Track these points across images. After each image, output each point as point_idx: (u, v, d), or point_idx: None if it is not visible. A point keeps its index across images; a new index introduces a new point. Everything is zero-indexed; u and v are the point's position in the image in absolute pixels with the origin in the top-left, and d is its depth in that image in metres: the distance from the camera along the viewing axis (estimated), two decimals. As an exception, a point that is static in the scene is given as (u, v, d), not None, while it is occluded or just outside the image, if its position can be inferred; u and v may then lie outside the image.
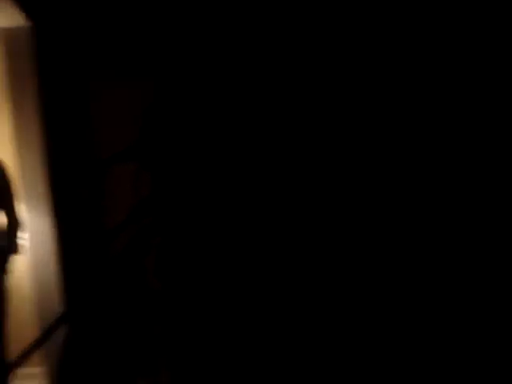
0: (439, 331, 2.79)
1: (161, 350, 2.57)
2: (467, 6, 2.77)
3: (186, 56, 3.07)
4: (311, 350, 2.80)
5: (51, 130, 3.19)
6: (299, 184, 2.96)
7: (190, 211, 2.43)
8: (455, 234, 2.81)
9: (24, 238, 3.23)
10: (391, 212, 2.89)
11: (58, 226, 3.20)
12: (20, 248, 3.19)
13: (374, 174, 2.92)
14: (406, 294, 2.84)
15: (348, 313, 2.85)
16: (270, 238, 2.85)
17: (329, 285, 2.89)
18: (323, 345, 2.81)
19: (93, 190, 3.12)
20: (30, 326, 3.39)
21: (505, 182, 2.76)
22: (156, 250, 2.45)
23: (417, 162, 2.88)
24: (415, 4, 2.85)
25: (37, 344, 2.46)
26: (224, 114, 3.02)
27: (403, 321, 2.81)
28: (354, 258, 2.91)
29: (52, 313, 3.12)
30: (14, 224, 3.13)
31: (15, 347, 3.10)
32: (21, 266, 3.31)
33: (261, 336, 2.56)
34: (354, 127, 2.96)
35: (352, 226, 2.93)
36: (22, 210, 3.22)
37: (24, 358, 2.46)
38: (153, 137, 2.36)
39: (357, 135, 2.95)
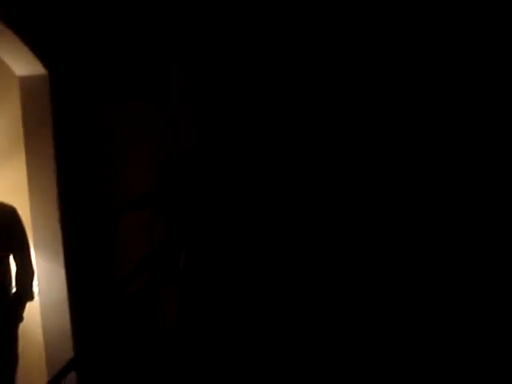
0: (439, 331, 2.77)
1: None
2: (467, 5, 2.78)
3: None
4: (311, 350, 2.78)
5: (65, 178, 3.21)
6: (301, 189, 2.95)
7: (206, 258, 2.45)
8: (455, 234, 2.80)
9: (36, 285, 3.24)
10: (391, 212, 2.88)
11: (70, 273, 3.21)
12: (34, 295, 3.21)
13: (374, 173, 2.92)
14: (406, 294, 2.82)
15: (348, 313, 2.84)
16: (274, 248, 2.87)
17: (330, 285, 2.88)
18: (323, 345, 2.79)
19: (105, 237, 3.13)
20: (39, 372, 3.38)
21: (505, 181, 2.75)
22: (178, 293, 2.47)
23: (417, 162, 2.87)
24: (415, 4, 2.87)
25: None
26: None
27: (403, 321, 2.80)
28: (353, 258, 2.90)
29: (61, 359, 3.11)
30: (29, 272, 3.16)
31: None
32: (32, 311, 3.31)
33: (261, 337, 2.57)
34: (355, 128, 2.96)
35: (352, 225, 2.92)
36: (35, 256, 3.23)
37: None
38: (168, 186, 2.38)
39: (357, 135, 2.96)
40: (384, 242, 2.94)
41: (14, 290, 3.15)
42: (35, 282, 3.22)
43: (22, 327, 3.23)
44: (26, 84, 3.24)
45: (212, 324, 2.30)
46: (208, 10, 3.16)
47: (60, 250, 3.19)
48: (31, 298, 3.20)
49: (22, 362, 3.25)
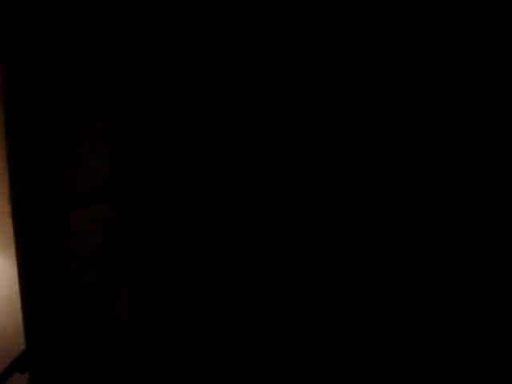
0: (439, 331, 2.78)
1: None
2: (467, 5, 2.80)
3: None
4: (311, 350, 2.77)
5: (16, 172, 3.17)
6: (297, 190, 2.95)
7: (158, 253, 2.43)
8: (455, 234, 2.81)
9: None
10: (391, 212, 2.89)
11: (22, 268, 3.16)
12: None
13: (373, 174, 2.92)
14: (406, 294, 2.83)
15: (348, 313, 2.84)
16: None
17: (328, 284, 2.88)
18: (323, 344, 2.79)
19: (58, 231, 3.10)
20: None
21: (505, 182, 2.76)
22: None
23: (417, 162, 2.88)
24: (415, 4, 2.87)
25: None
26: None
27: (403, 321, 2.80)
28: (353, 258, 2.90)
29: (13, 356, 3.06)
30: None
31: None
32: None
33: (259, 337, 2.55)
34: (354, 127, 2.96)
35: (352, 225, 2.92)
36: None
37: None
38: (119, 178, 2.36)
39: (357, 135, 2.96)
40: (384, 241, 2.95)
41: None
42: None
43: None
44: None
45: (167, 318, 2.29)
46: (207, 10, 3.15)
47: (11, 245, 3.14)
48: None
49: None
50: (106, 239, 2.49)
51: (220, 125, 3.09)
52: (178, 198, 2.46)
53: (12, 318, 3.18)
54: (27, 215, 3.18)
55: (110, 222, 2.57)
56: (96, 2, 3.12)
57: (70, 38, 3.22)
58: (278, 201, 2.96)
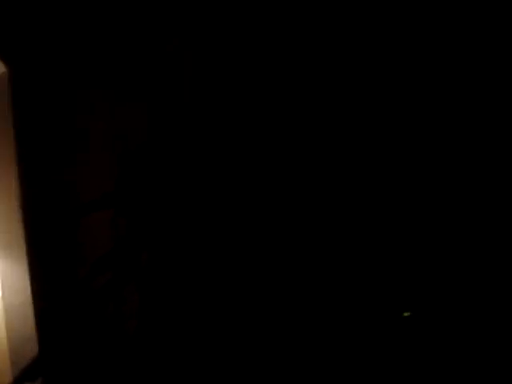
0: (439, 331, 2.76)
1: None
2: (467, 6, 2.78)
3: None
4: (310, 350, 2.76)
5: (27, 178, 3.15)
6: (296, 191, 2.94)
7: (169, 258, 2.42)
8: (455, 234, 2.79)
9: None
10: (391, 212, 2.87)
11: (34, 275, 3.15)
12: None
13: (373, 174, 2.90)
14: (406, 294, 2.81)
15: (347, 313, 2.82)
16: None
17: (328, 284, 2.86)
18: (323, 344, 2.77)
19: (69, 237, 3.09)
20: (3, 378, 3.31)
21: (505, 182, 2.75)
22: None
23: (417, 163, 2.86)
24: (415, 4, 2.86)
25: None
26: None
27: (403, 321, 2.78)
28: (353, 258, 2.88)
29: (27, 363, 3.05)
30: None
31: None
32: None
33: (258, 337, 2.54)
34: (354, 127, 2.94)
35: (351, 226, 2.91)
36: (-3, 257, 3.17)
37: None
38: (130, 183, 2.35)
39: (356, 135, 2.94)
40: (383, 241, 2.94)
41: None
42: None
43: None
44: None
45: (175, 322, 2.27)
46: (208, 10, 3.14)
47: (23, 251, 3.13)
48: None
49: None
50: (116, 244, 2.47)
51: (220, 125, 3.09)
52: (184, 200, 2.46)
53: (24, 323, 3.17)
54: (38, 220, 3.17)
55: (121, 227, 2.56)
56: (96, 4, 3.11)
57: (74, 40, 3.21)
58: (280, 202, 2.95)
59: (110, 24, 3.17)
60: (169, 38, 3.17)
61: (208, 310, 2.28)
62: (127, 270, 2.49)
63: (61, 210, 3.14)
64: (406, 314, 2.82)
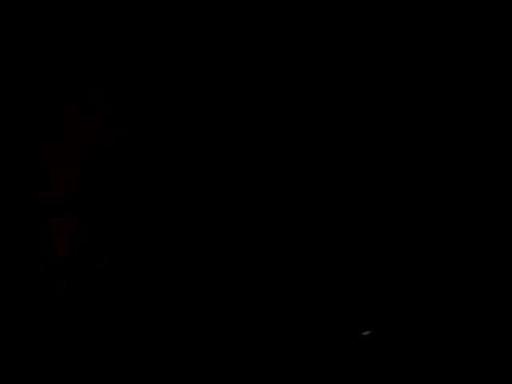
0: (439, 331, 2.77)
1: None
2: (467, 6, 2.81)
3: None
4: (310, 350, 2.76)
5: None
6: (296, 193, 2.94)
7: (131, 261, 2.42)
8: (455, 234, 2.81)
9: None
10: (391, 212, 2.89)
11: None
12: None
13: (373, 174, 2.92)
14: (406, 294, 2.83)
15: (348, 313, 2.83)
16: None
17: (328, 284, 2.87)
18: (323, 344, 2.78)
19: (28, 239, 3.07)
20: None
21: (505, 182, 2.77)
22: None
23: (416, 163, 2.88)
24: (415, 5, 2.88)
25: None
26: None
27: (403, 321, 2.80)
28: (353, 258, 2.89)
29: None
30: None
31: None
32: None
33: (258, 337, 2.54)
34: (354, 128, 2.96)
35: (352, 226, 2.92)
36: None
37: None
38: (90, 186, 2.34)
39: (357, 136, 2.95)
40: (383, 241, 2.96)
41: None
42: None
43: None
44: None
45: (137, 330, 2.27)
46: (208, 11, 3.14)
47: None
48: None
49: None
50: (75, 249, 2.47)
51: (218, 125, 3.09)
52: (149, 206, 2.45)
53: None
54: (2, 223, 3.15)
55: (81, 232, 2.55)
56: (95, 3, 3.11)
57: (71, 39, 3.21)
58: (278, 202, 2.96)
59: (109, 24, 3.17)
60: (169, 37, 3.18)
61: (170, 315, 2.29)
62: (86, 275, 2.49)
63: (22, 212, 3.12)
64: (365, 333, 2.86)
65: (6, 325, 2.98)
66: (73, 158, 2.86)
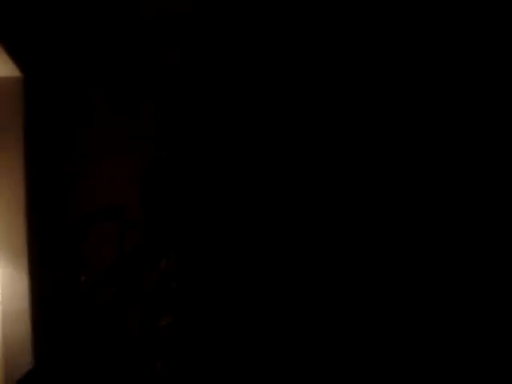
0: (439, 331, 2.75)
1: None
2: (467, 6, 2.79)
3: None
4: (310, 350, 2.74)
5: (34, 185, 3.14)
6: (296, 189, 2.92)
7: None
8: (455, 234, 2.80)
9: (-2, 293, 3.16)
10: (391, 212, 2.87)
11: (33, 281, 3.13)
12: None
13: (373, 174, 2.90)
14: (406, 294, 2.81)
15: (347, 313, 2.81)
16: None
17: (329, 285, 2.85)
18: (323, 345, 2.76)
19: (73, 247, 3.07)
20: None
21: (505, 182, 2.75)
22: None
23: (416, 163, 2.86)
24: (415, 5, 2.86)
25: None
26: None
27: (402, 321, 2.78)
28: (353, 259, 2.87)
29: (20, 370, 3.02)
30: None
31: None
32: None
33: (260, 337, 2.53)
34: (355, 128, 2.94)
35: (352, 226, 2.90)
36: (-1, 263, 3.15)
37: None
38: (153, 195, 2.35)
39: (357, 136, 2.94)
40: (383, 241, 2.94)
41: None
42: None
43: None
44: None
45: (208, 325, 2.26)
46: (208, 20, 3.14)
47: (25, 256, 3.11)
48: None
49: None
50: (120, 258, 2.45)
51: (220, 128, 3.08)
52: (214, 207, 2.47)
53: (21, 331, 3.14)
54: (43, 229, 3.15)
55: (126, 241, 2.54)
56: (98, 5, 3.11)
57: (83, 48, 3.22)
58: (281, 203, 2.95)
59: (117, 34, 3.18)
60: (170, 48, 3.19)
61: (213, 322, 2.28)
62: (130, 285, 2.47)
63: (66, 219, 3.12)
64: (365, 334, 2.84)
65: (48, 330, 2.97)
66: (122, 169, 2.87)
